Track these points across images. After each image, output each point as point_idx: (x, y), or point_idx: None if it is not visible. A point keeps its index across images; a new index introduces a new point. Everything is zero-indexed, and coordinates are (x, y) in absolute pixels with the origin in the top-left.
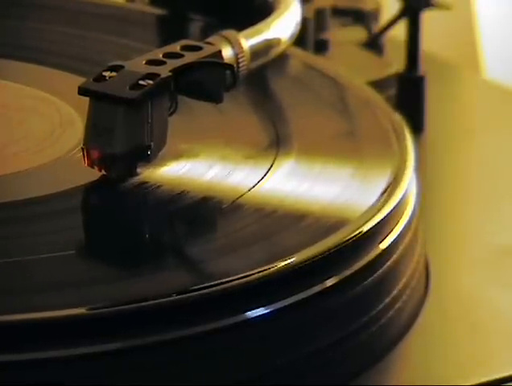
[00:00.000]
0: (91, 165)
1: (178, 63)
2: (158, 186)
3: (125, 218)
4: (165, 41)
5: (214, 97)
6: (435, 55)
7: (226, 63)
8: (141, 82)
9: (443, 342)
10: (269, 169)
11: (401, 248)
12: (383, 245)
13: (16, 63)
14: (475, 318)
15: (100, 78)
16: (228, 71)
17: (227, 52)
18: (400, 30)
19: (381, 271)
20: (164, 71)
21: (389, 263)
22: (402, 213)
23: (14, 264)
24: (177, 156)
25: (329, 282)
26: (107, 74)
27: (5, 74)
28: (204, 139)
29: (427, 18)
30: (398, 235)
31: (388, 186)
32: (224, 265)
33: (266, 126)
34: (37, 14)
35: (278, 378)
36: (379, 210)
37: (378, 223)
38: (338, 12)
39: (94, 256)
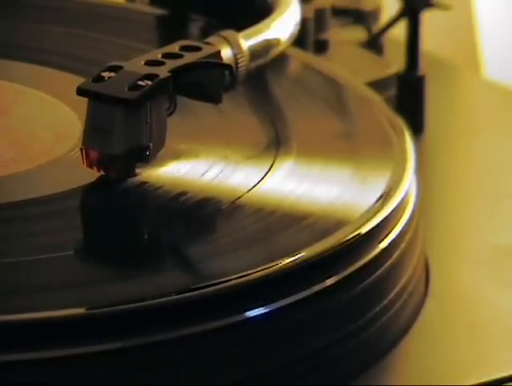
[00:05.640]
0: (90, 165)
1: (177, 63)
2: (158, 187)
3: (125, 218)
4: (165, 41)
5: (213, 98)
6: (435, 55)
7: (225, 64)
8: (140, 82)
9: (443, 342)
10: (269, 169)
11: (401, 248)
12: (383, 245)
13: (15, 63)
14: (475, 318)
15: (99, 78)
16: (227, 72)
17: (226, 53)
18: (400, 30)
19: (381, 271)
20: (163, 72)
21: (389, 263)
22: (402, 213)
23: (13, 264)
24: (177, 156)
25: (329, 282)
26: (106, 74)
27: (4, 74)
28: (204, 139)
29: (427, 18)
30: (398, 235)
31: (388, 187)
32: (223, 265)
33: (266, 127)
34: (37, 14)
35: (278, 378)
36: (379, 210)
37: (378, 223)
38: (338, 12)
39: (93, 257)
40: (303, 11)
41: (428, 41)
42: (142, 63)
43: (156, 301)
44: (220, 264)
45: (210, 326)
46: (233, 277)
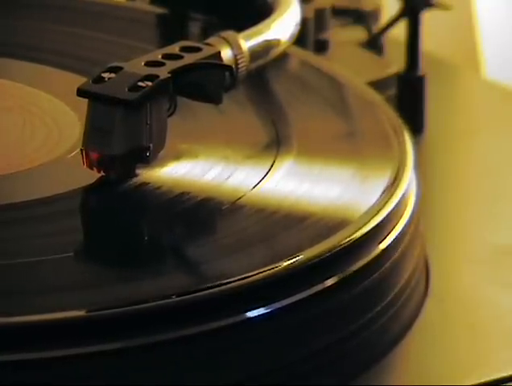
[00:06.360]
0: (90, 166)
1: (177, 64)
2: (158, 187)
3: (125, 219)
4: (165, 40)
5: (213, 98)
6: (435, 55)
7: (225, 65)
8: (140, 83)
9: (443, 342)
10: (269, 169)
11: (401, 248)
12: (383, 245)
13: (16, 62)
14: (475, 318)
15: (99, 79)
16: (227, 73)
17: (226, 53)
18: (400, 30)
19: (381, 271)
20: (163, 73)
21: (389, 263)
22: (402, 213)
23: (13, 265)
24: (177, 157)
25: (329, 282)
26: (106, 75)
27: (4, 73)
28: (205, 139)
29: (427, 18)
30: (398, 235)
31: (388, 187)
32: (224, 266)
33: (267, 126)
34: (37, 13)
35: (278, 378)
36: (379, 210)
37: (378, 224)
38: (338, 12)
39: (94, 258)
40: (303, 11)
41: (428, 41)
42: (143, 63)
43: (157, 303)
44: (221, 265)
45: (211, 327)
46: (234, 278)
